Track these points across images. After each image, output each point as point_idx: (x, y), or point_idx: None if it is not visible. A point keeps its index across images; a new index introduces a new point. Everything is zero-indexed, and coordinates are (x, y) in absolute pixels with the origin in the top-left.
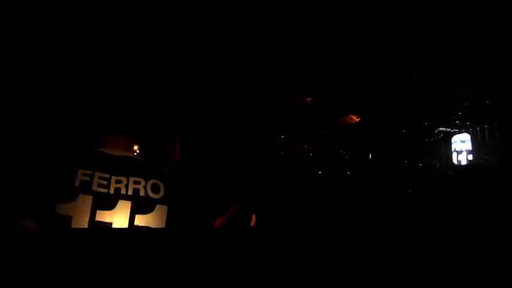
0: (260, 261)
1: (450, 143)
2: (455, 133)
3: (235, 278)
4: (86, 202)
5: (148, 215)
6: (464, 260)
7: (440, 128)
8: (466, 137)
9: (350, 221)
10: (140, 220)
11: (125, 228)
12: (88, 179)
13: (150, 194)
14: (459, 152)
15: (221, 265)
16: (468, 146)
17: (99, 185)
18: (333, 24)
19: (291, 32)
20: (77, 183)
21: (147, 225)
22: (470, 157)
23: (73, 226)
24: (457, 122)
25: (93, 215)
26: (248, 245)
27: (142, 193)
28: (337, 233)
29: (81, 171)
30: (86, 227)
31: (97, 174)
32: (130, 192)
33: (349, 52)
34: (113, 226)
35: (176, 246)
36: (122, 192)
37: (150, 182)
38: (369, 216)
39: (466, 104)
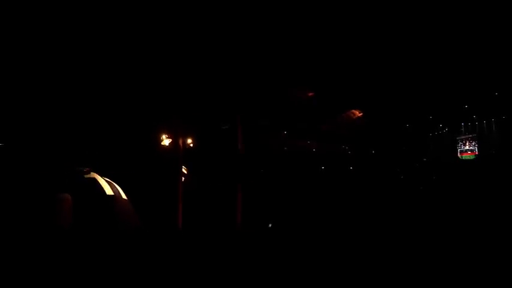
0: (269, 249)
1: (455, 137)
2: (460, 127)
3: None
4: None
5: None
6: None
7: (444, 122)
8: (471, 130)
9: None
10: None
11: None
12: None
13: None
14: (464, 146)
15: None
16: (474, 139)
17: None
18: (335, 19)
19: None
20: None
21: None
22: (476, 151)
23: None
24: (463, 115)
25: None
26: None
27: None
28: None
29: None
30: None
31: None
32: None
33: (351, 46)
34: None
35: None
36: None
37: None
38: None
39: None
